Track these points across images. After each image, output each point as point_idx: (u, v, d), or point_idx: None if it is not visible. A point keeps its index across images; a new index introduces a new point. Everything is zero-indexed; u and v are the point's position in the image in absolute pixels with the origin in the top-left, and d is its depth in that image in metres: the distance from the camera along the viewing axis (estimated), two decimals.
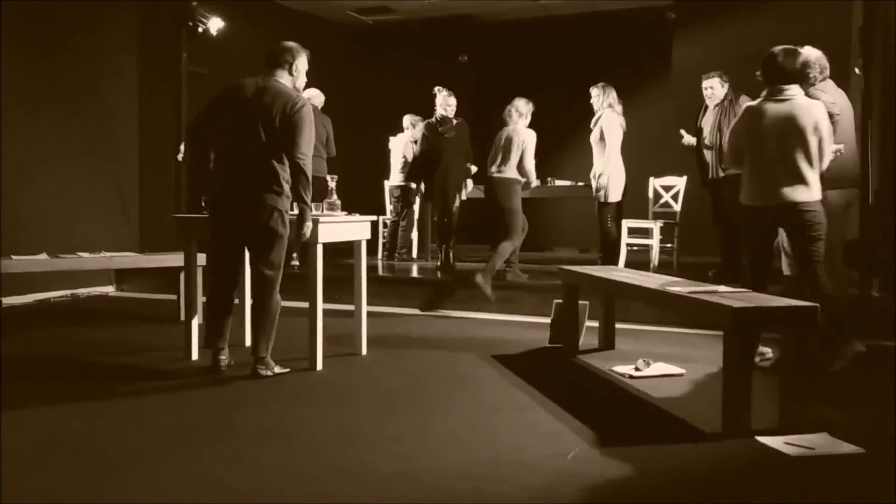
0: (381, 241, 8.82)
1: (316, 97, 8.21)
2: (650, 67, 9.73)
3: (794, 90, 4.40)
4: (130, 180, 8.14)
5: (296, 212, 4.26)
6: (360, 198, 8.36)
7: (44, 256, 5.88)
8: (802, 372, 3.32)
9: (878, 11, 6.05)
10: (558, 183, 8.69)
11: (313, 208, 4.35)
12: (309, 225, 4.25)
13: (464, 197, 7.76)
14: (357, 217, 4.82)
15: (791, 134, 4.32)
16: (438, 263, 7.67)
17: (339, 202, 4.74)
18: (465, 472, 2.84)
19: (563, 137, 9.36)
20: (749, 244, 4.56)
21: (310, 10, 10.27)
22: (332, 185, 4.83)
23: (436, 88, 7.57)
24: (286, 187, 4.21)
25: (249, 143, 4.14)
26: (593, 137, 7.08)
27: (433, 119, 7.60)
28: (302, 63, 4.38)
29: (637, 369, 4.42)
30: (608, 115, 7.02)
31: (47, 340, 5.38)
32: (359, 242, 4.87)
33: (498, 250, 6.66)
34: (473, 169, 7.89)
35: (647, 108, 9.32)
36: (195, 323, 4.72)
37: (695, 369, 4.51)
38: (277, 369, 4.32)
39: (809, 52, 4.90)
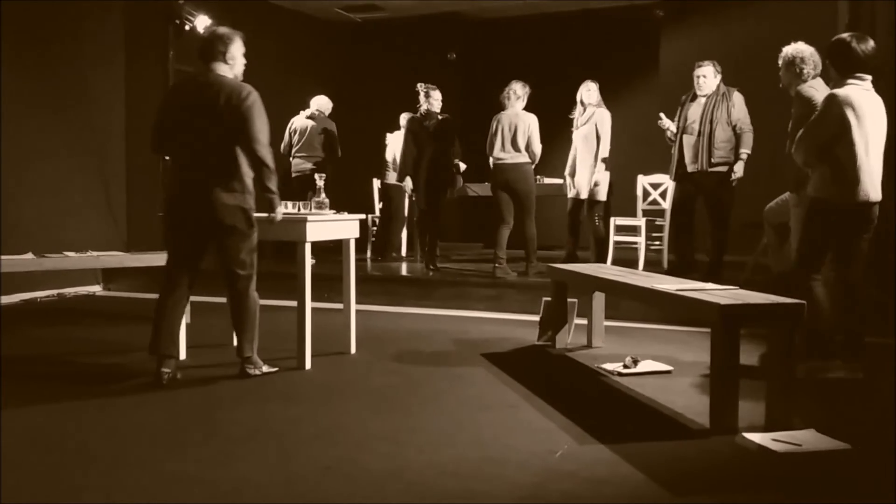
0: (370, 239, 8.81)
1: (325, 105, 8.32)
2: (638, 65, 9.75)
3: (869, 80, 4.17)
4: (117, 179, 8.10)
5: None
6: (350, 196, 8.35)
7: (30, 256, 5.84)
8: (790, 368, 3.33)
9: (863, 10, 6.08)
10: (547, 181, 8.71)
11: (283, 204, 4.23)
12: (280, 211, 4.16)
13: (451, 194, 7.70)
14: (345, 215, 4.81)
15: (881, 126, 4.17)
16: (422, 259, 7.67)
17: (327, 200, 4.72)
18: (454, 471, 2.84)
19: (552, 135, 9.35)
20: (823, 242, 4.25)
21: (297, 8, 10.24)
22: (320, 183, 4.82)
23: (418, 85, 7.50)
24: (248, 183, 4.07)
25: (202, 144, 4.01)
26: (584, 134, 7.10)
27: (417, 114, 7.50)
28: (237, 49, 4.16)
29: (625, 366, 4.43)
30: (602, 112, 7.08)
31: (34, 340, 5.35)
32: (347, 241, 4.86)
33: (528, 238, 6.94)
34: (462, 166, 7.85)
35: (634, 105, 9.34)
36: (183, 323, 4.69)
37: (682, 366, 4.53)
38: (265, 368, 4.28)
39: (803, 48, 4.92)
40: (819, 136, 4.18)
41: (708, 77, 6.30)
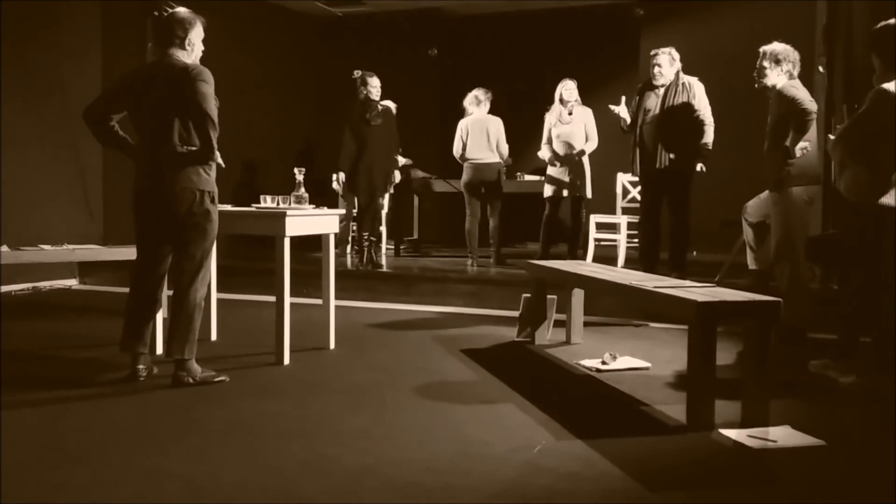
0: (350, 234, 8.77)
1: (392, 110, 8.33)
2: (618, 63, 9.77)
3: None
4: (94, 171, 8.02)
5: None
6: (331, 190, 8.30)
7: (4, 249, 5.77)
8: (766, 365, 3.35)
9: (840, 10, 6.13)
10: (528, 178, 8.74)
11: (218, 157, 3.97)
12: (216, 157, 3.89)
13: (389, 189, 7.55)
14: (325, 210, 4.79)
15: None
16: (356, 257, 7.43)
17: (306, 195, 4.69)
18: (432, 466, 2.84)
19: (531, 132, 9.39)
20: (868, 253, 3.98)
21: (278, 1, 10.18)
22: (299, 178, 4.79)
23: (355, 72, 7.22)
24: (206, 169, 3.89)
25: (157, 130, 3.85)
26: (571, 132, 7.20)
27: (358, 103, 7.16)
28: (196, 35, 3.94)
29: (603, 363, 4.45)
30: (588, 111, 7.31)
31: (8, 335, 5.27)
32: (327, 236, 4.84)
33: (497, 230, 7.57)
34: (401, 160, 7.72)
35: (614, 103, 9.36)
36: (159, 317, 4.65)
37: (660, 363, 4.55)
38: (203, 375, 3.96)
39: (785, 48, 4.95)
40: (864, 134, 3.93)
41: (664, 65, 6.01)
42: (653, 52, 6.15)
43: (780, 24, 6.85)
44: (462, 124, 7.55)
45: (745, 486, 2.79)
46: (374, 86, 7.10)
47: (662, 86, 6.06)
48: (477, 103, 7.49)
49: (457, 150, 7.54)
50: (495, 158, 7.43)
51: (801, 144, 4.82)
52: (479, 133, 7.41)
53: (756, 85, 5.06)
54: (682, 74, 6.07)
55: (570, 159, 7.18)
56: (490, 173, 7.45)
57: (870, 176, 3.97)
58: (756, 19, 8.07)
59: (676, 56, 6.08)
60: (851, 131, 4.02)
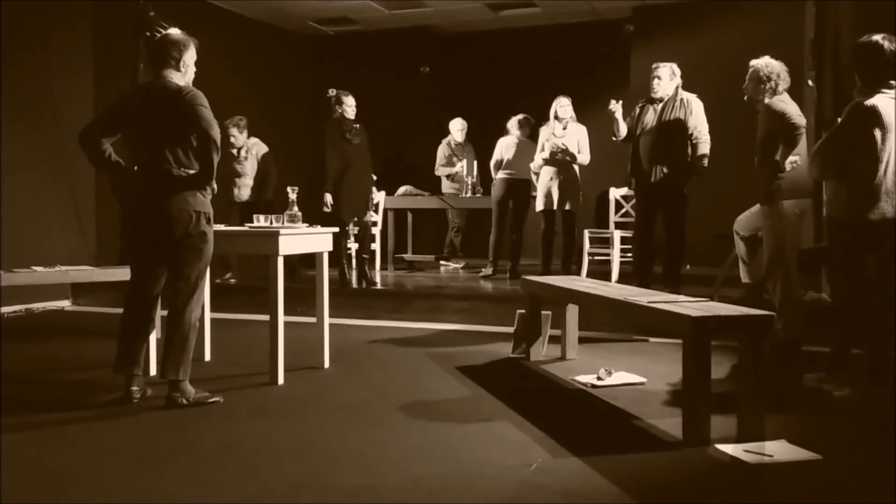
0: (344, 252, 8.75)
1: (460, 131, 8.90)
2: (608, 79, 9.83)
3: None
4: (86, 192, 8.00)
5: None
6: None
7: None
8: (760, 379, 3.36)
9: (829, 24, 6.18)
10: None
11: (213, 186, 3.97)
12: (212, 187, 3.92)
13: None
14: (318, 228, 4.79)
15: None
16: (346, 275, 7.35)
17: (299, 214, 4.70)
18: (428, 485, 2.83)
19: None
20: (853, 267, 3.98)
21: (271, 21, 10.23)
22: (292, 196, 4.79)
23: (330, 90, 7.20)
24: (202, 191, 3.91)
25: (152, 151, 3.86)
26: (571, 145, 7.30)
27: (334, 119, 7.07)
28: (190, 56, 4.00)
29: (599, 379, 4.45)
30: (582, 127, 7.46)
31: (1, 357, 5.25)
32: (320, 254, 4.84)
33: (519, 244, 8.03)
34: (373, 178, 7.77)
35: (605, 119, 9.37)
36: (153, 338, 4.63)
37: (655, 378, 4.55)
38: (197, 396, 3.94)
39: (774, 63, 4.99)
40: (839, 149, 3.93)
41: (663, 79, 6.08)
42: (654, 65, 6.21)
43: (770, 38, 6.90)
44: (503, 141, 8.02)
45: (741, 502, 2.79)
46: (350, 104, 7.09)
47: (661, 100, 6.11)
48: (519, 126, 8.02)
49: (495, 163, 7.98)
50: (527, 176, 7.81)
51: (791, 158, 4.84)
52: (517, 151, 7.88)
53: (745, 98, 5.11)
54: (681, 90, 6.13)
55: (562, 166, 7.31)
56: (522, 189, 7.87)
57: (847, 190, 4.00)
58: (746, 34, 8.13)
59: (678, 71, 6.15)
60: (827, 145, 4.04)
